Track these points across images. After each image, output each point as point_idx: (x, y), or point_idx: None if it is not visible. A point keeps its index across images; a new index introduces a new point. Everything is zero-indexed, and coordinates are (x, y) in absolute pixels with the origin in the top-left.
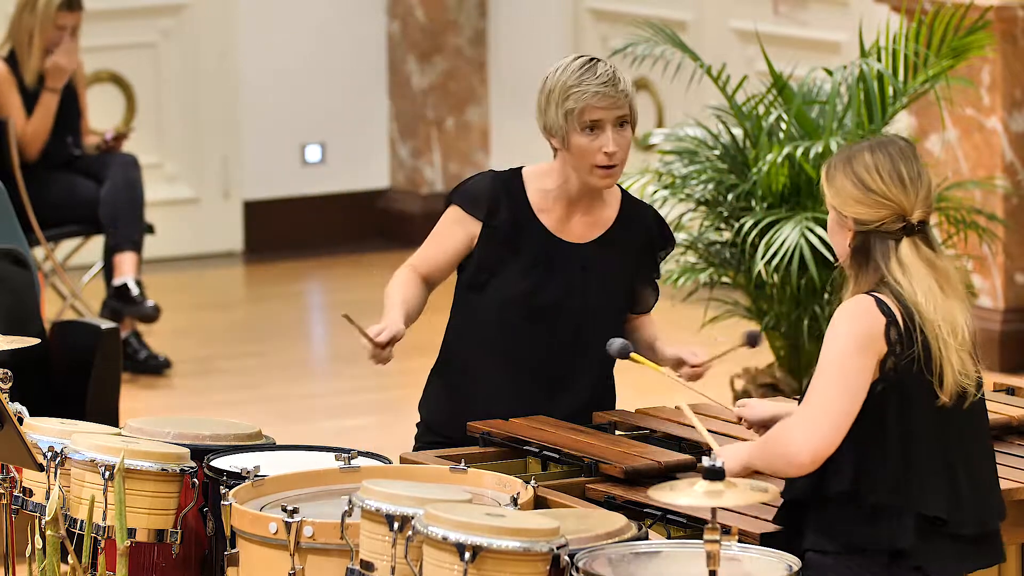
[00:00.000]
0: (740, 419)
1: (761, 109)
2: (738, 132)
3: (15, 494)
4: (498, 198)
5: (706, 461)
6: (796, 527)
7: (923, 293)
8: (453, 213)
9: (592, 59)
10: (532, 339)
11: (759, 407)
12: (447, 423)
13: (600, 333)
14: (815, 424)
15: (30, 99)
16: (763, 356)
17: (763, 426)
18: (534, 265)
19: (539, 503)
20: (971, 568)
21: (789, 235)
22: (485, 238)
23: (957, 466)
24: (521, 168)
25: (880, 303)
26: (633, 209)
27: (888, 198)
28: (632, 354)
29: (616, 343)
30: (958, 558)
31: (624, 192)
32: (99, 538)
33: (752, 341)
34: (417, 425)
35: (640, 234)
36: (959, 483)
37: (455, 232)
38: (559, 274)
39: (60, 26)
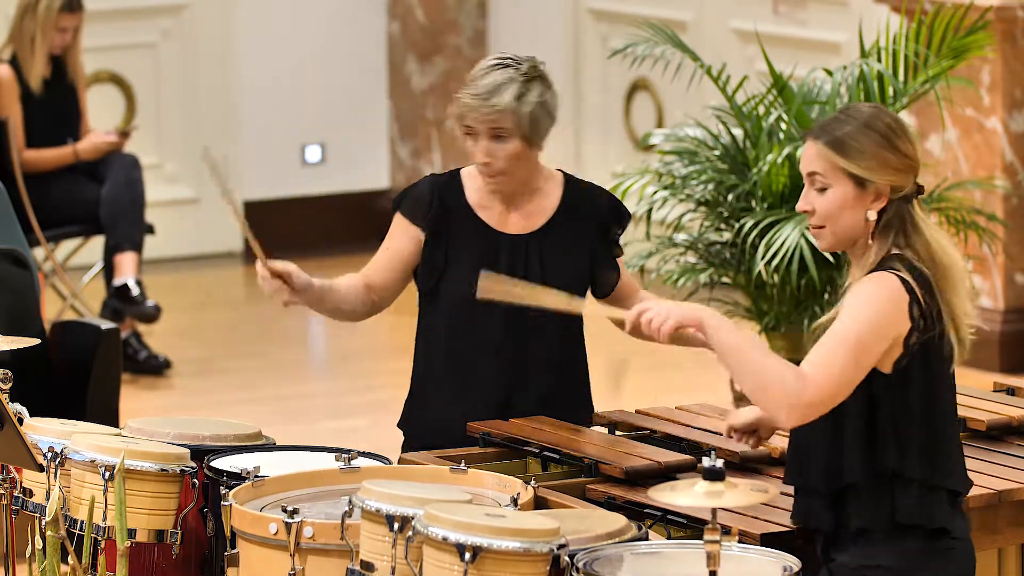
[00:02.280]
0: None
1: (761, 109)
2: (738, 132)
3: (15, 494)
4: (438, 201)
5: (706, 461)
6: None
7: (935, 246)
8: (398, 220)
9: (497, 64)
10: (486, 336)
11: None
12: (422, 433)
13: (550, 323)
14: (826, 374)
15: (33, 103)
16: None
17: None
18: (479, 262)
19: (539, 503)
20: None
21: (789, 235)
22: (430, 242)
23: (958, 433)
24: (460, 169)
25: (903, 281)
26: (578, 195)
27: (915, 160)
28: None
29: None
30: (969, 529)
31: (568, 178)
32: (99, 538)
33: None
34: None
35: (590, 218)
36: (961, 452)
37: (400, 239)
38: (503, 267)
39: (62, 28)
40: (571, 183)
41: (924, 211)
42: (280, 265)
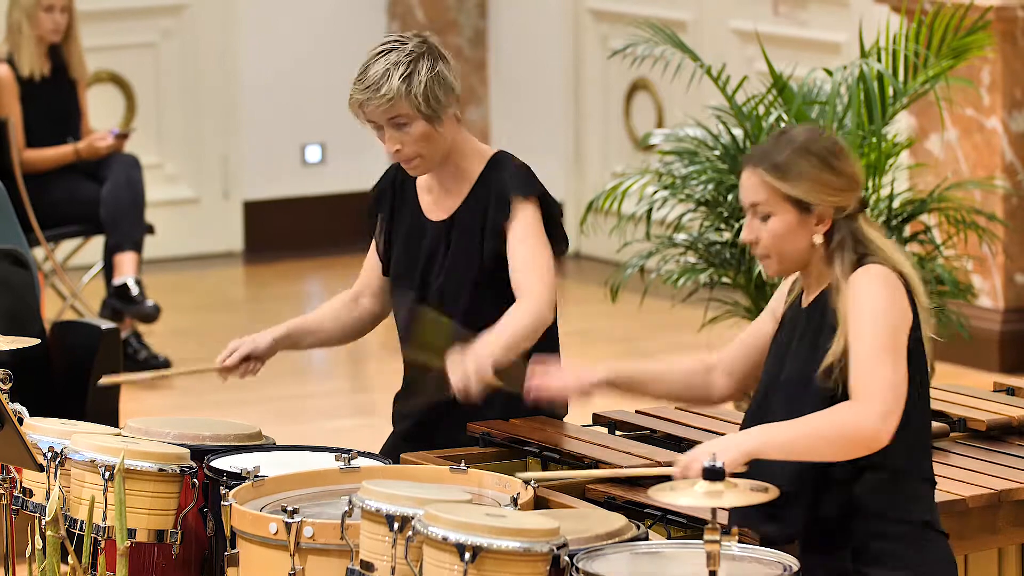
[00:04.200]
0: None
1: (761, 109)
2: (738, 132)
3: (15, 494)
4: (399, 185)
5: (706, 461)
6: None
7: (897, 259)
8: (376, 215)
9: (381, 51)
10: (414, 322)
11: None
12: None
13: (457, 309)
14: (883, 396)
15: (28, 93)
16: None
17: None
18: (407, 249)
19: (539, 503)
20: None
21: None
22: (384, 232)
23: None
24: None
25: (891, 270)
26: (490, 173)
27: (855, 178)
28: None
29: None
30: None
31: (493, 157)
32: (99, 538)
33: None
34: None
35: (493, 195)
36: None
37: (378, 235)
38: (424, 254)
39: (48, 7)
40: (492, 161)
41: (872, 225)
42: (236, 356)
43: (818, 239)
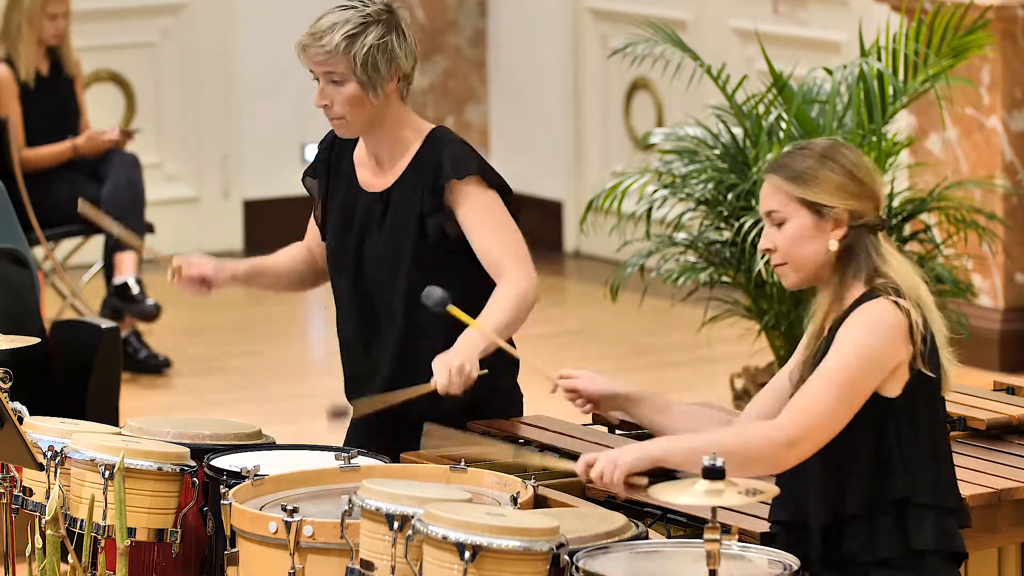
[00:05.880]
0: (557, 389)
1: (761, 109)
2: (738, 132)
3: (15, 494)
4: (328, 155)
5: (706, 460)
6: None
7: (913, 282)
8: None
9: (341, 6)
10: (347, 296)
11: (596, 381)
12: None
13: (396, 284)
14: (800, 424)
15: (27, 93)
16: (763, 355)
17: (592, 401)
18: (341, 219)
19: (539, 503)
20: None
21: None
22: (319, 197)
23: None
24: None
25: (897, 305)
26: (428, 149)
27: (875, 191)
28: (450, 307)
29: (434, 294)
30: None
31: (431, 132)
32: (99, 537)
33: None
34: None
35: (428, 172)
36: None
37: (315, 201)
38: (358, 227)
39: (52, 15)
40: (431, 136)
41: (891, 243)
42: (196, 269)
43: (833, 244)
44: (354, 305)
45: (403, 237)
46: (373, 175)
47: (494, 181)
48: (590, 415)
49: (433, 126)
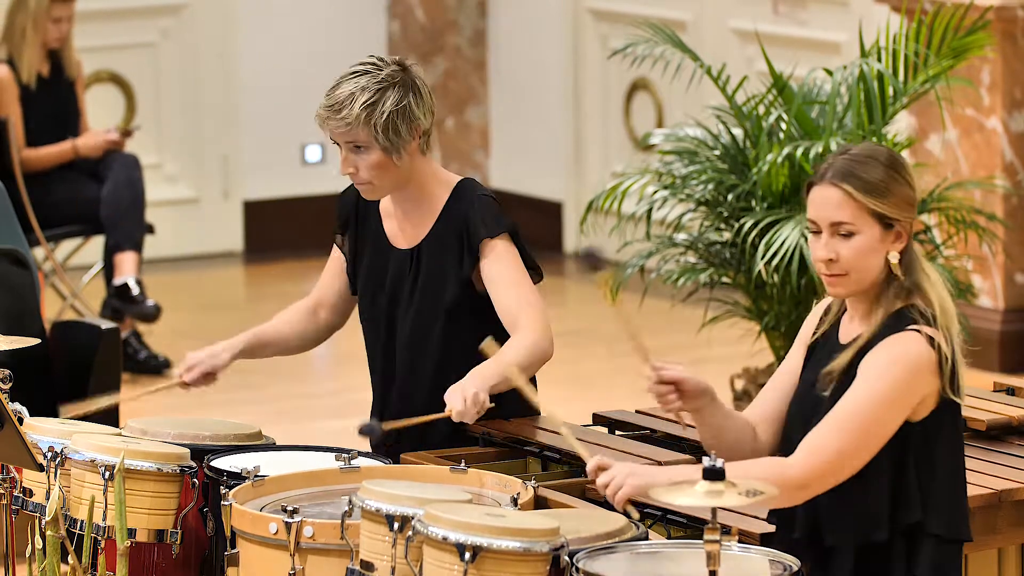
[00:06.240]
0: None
1: (761, 109)
2: (738, 132)
3: (15, 494)
4: (356, 210)
5: (706, 461)
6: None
7: (943, 294)
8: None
9: (354, 72)
10: (379, 351)
11: (691, 373)
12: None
13: (430, 340)
14: (814, 466)
15: (28, 95)
16: (763, 356)
17: (686, 395)
18: (371, 276)
19: (539, 503)
20: None
21: (789, 235)
22: (350, 252)
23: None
24: None
25: (928, 339)
26: (456, 204)
27: (917, 200)
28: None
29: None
30: None
31: (458, 185)
32: (99, 538)
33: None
34: None
35: (458, 229)
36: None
37: (335, 253)
38: (390, 286)
39: (56, 19)
40: (457, 189)
41: (919, 249)
42: (197, 371)
43: (894, 257)
44: (389, 363)
45: (435, 296)
46: (400, 228)
47: (520, 243)
48: (591, 416)
49: (459, 178)
